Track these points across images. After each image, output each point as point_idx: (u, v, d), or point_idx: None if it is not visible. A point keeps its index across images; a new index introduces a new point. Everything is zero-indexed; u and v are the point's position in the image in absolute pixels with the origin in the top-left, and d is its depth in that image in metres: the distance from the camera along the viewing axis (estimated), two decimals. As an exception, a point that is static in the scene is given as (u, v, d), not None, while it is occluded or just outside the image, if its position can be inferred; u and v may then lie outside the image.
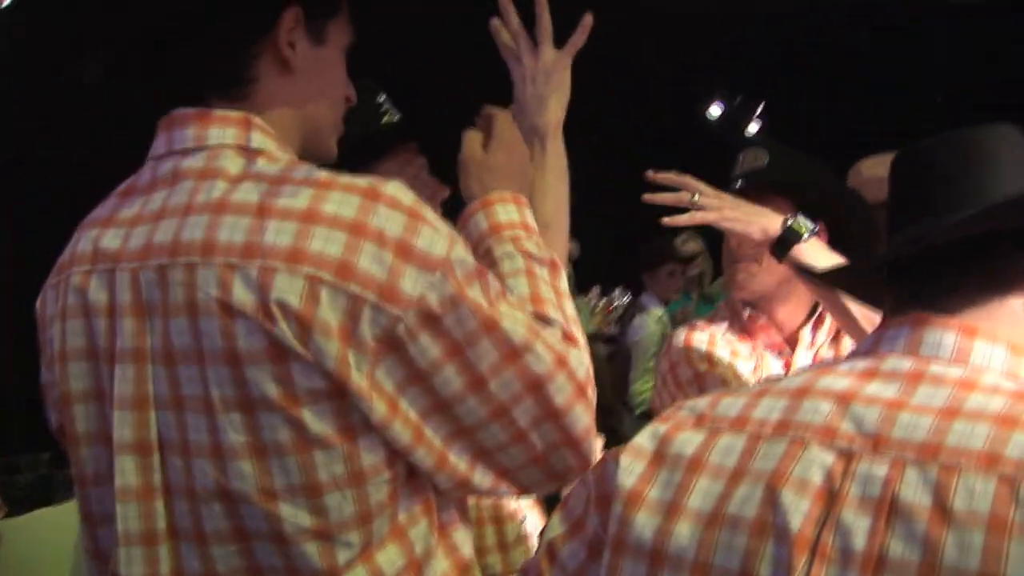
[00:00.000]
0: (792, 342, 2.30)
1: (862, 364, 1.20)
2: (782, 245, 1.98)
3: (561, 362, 1.28)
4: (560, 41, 1.67)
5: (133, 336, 1.26)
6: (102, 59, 1.39)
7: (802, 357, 2.28)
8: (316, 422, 1.19)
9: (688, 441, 1.22)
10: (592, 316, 7.61)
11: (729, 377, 2.20)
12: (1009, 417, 1.05)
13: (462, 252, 1.24)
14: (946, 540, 0.99)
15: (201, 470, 1.23)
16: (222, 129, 1.30)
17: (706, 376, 2.22)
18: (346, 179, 1.22)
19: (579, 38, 1.68)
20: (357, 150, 1.83)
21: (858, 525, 1.05)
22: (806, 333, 2.29)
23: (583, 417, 1.31)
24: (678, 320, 5.86)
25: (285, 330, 1.16)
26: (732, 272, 2.27)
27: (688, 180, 2.06)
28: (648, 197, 2.03)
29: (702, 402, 1.28)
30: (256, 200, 1.21)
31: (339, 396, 1.19)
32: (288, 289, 1.16)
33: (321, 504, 1.22)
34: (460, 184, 1.55)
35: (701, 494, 1.17)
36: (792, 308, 2.31)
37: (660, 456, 1.22)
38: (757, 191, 2.19)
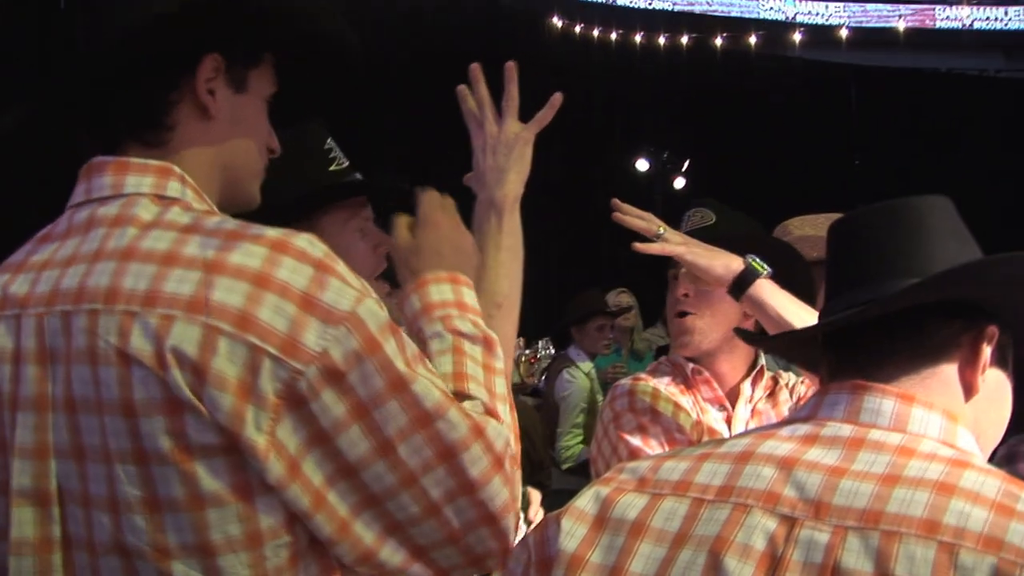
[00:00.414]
0: (732, 396, 2.31)
1: (803, 429, 1.21)
2: (741, 283, 2.00)
3: (477, 431, 1.23)
4: (523, 116, 1.67)
5: (35, 383, 1.22)
6: (15, 112, 1.36)
7: (741, 411, 2.29)
8: (209, 478, 1.15)
9: (631, 505, 1.21)
10: (516, 368, 7.60)
11: (672, 430, 2.19)
12: (947, 484, 1.07)
13: (373, 307, 1.19)
14: None
15: (100, 523, 1.19)
16: (139, 177, 1.29)
17: (649, 428, 2.20)
18: (256, 230, 1.19)
19: (546, 114, 1.67)
20: (303, 200, 1.82)
21: None
22: (746, 387, 2.31)
23: (501, 492, 1.25)
24: (607, 376, 5.86)
25: (179, 380, 1.13)
26: (678, 327, 2.27)
27: (652, 216, 2.10)
28: (618, 217, 2.05)
29: (643, 464, 1.28)
30: (164, 248, 1.19)
31: (234, 452, 1.15)
32: (184, 337, 1.13)
33: (214, 565, 1.17)
34: (396, 271, 1.52)
35: (643, 559, 1.16)
36: (734, 363, 2.31)
37: (602, 519, 1.22)
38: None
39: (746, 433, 1.29)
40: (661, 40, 13.32)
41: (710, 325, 2.24)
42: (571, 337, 5.97)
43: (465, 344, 1.38)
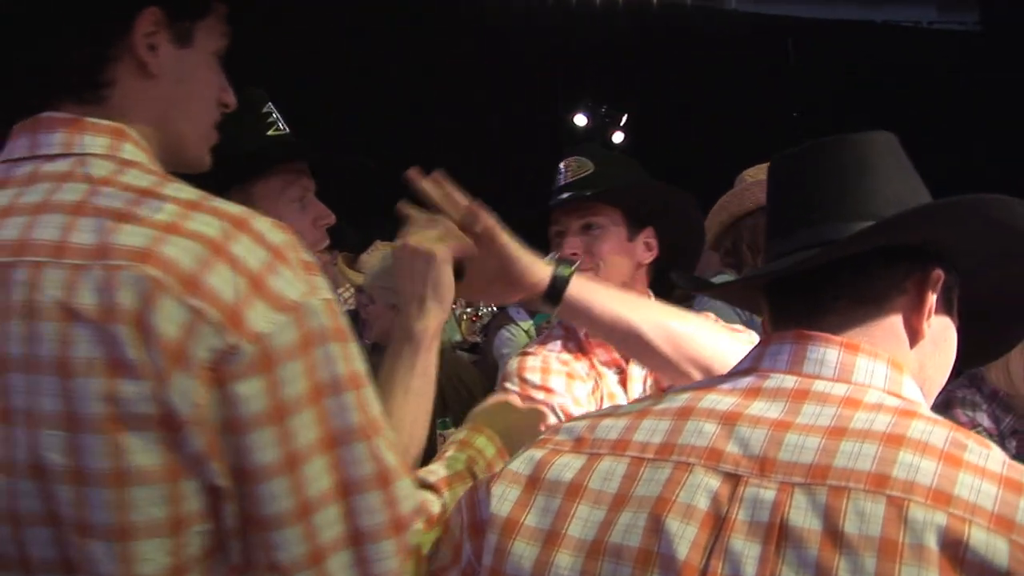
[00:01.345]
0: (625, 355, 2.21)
1: (745, 381, 1.17)
2: (555, 289, 1.65)
3: (383, 479, 1.14)
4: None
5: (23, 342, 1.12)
6: None
7: (636, 369, 2.20)
8: (139, 453, 1.07)
9: (567, 466, 1.16)
10: (458, 325, 7.56)
11: (568, 403, 2.09)
12: (895, 436, 1.03)
13: (324, 306, 1.13)
14: (838, 565, 0.97)
15: (20, 491, 1.11)
16: (94, 137, 1.21)
17: (543, 404, 2.05)
18: (218, 203, 1.14)
19: (466, 244, 1.55)
20: (236, 161, 1.67)
21: (748, 552, 1.01)
22: None
23: (390, 559, 1.14)
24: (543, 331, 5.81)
25: (122, 335, 1.06)
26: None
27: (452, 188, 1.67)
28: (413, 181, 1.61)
29: (580, 424, 1.22)
30: (118, 206, 1.13)
31: (166, 427, 1.07)
32: (129, 290, 1.07)
33: (133, 550, 1.09)
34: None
35: (581, 522, 1.12)
36: None
37: (536, 481, 1.17)
38: (583, 202, 2.15)
39: (684, 388, 1.23)
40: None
41: (601, 278, 2.11)
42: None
43: (462, 484, 1.41)
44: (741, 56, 13.90)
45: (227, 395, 1.08)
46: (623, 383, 2.18)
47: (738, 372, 1.21)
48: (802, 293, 1.21)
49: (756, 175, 3.51)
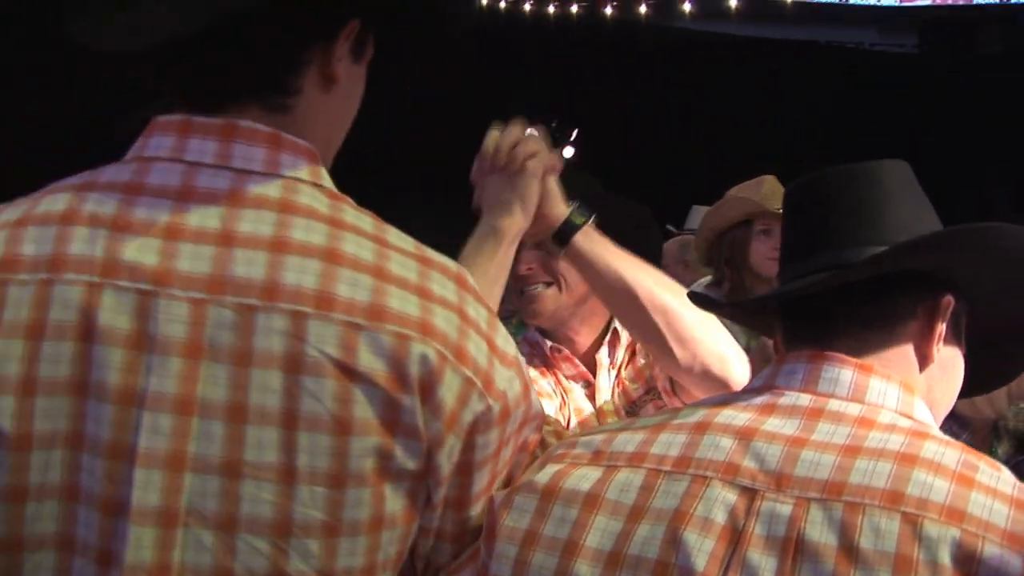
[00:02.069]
0: (591, 367, 2.20)
1: (760, 398, 1.20)
2: (565, 231, 1.78)
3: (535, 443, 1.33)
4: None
5: (179, 380, 1.04)
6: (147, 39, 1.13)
7: (604, 381, 2.18)
8: (393, 500, 1.11)
9: (584, 477, 1.19)
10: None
11: None
12: (908, 455, 1.07)
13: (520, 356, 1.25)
14: None
15: (251, 548, 1.05)
16: (294, 158, 1.14)
17: None
18: (435, 256, 1.19)
19: (559, 159, 1.73)
20: None
21: (765, 565, 1.04)
22: (603, 355, 2.19)
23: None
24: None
25: (414, 404, 1.09)
26: (527, 299, 2.12)
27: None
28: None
29: (597, 438, 1.25)
30: (370, 259, 1.11)
31: (420, 476, 1.12)
32: (421, 361, 1.09)
33: None
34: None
35: (599, 532, 1.14)
36: (588, 331, 2.20)
37: (552, 491, 1.19)
38: None
39: (700, 404, 1.27)
40: (551, 9, 13.30)
41: (562, 293, 2.11)
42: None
43: None
44: (690, 73, 14.04)
45: (469, 444, 1.15)
46: (591, 396, 2.17)
47: (752, 389, 1.25)
48: (816, 315, 1.25)
49: (737, 192, 3.59)
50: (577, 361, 2.19)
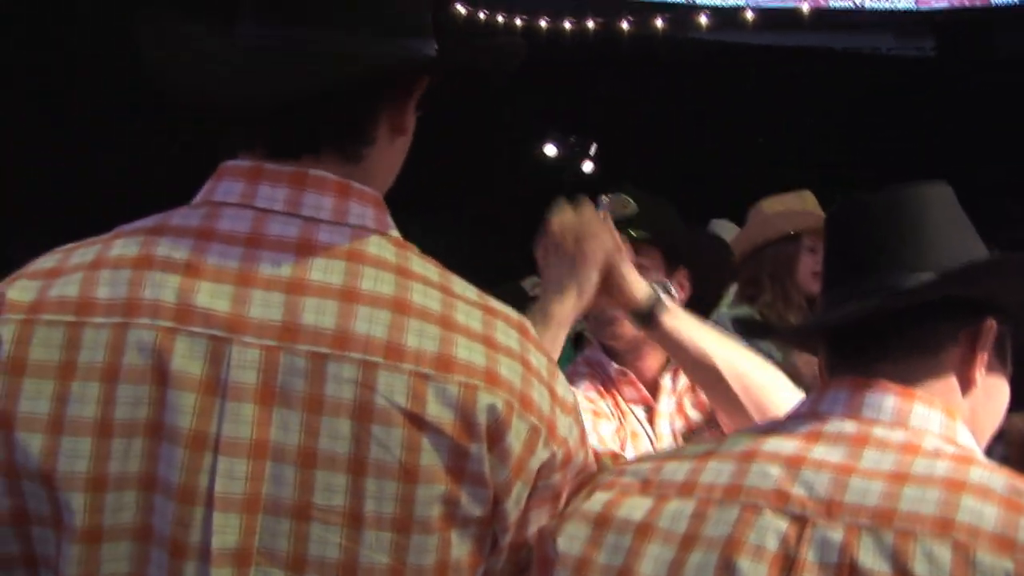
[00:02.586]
0: (653, 390, 2.23)
1: (805, 426, 1.22)
2: (651, 312, 1.80)
3: (593, 475, 1.33)
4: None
5: (254, 426, 1.07)
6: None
7: (664, 405, 2.20)
8: (459, 546, 1.13)
9: (635, 506, 1.22)
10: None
11: (592, 442, 2.02)
12: (955, 481, 1.09)
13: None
14: None
15: None
16: (362, 207, 1.16)
17: None
18: (497, 306, 1.21)
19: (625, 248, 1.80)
20: None
21: None
22: (667, 381, 2.22)
23: None
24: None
25: (482, 453, 1.11)
26: (608, 319, 2.16)
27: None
28: None
29: (645, 467, 1.27)
30: (437, 309, 1.14)
31: (487, 522, 1.14)
32: (488, 410, 1.11)
33: None
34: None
35: (652, 560, 1.16)
36: (655, 355, 2.23)
37: (605, 520, 1.22)
38: (631, 243, 2.15)
39: (748, 431, 1.30)
40: (567, 25, 13.33)
41: None
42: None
43: None
44: (707, 83, 14.06)
45: (535, 490, 1.18)
46: (651, 420, 2.20)
47: (797, 416, 1.27)
48: (860, 340, 1.26)
49: (773, 206, 3.56)
50: (640, 385, 2.21)
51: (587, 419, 2.09)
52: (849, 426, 1.19)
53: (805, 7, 13.18)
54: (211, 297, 1.09)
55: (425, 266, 1.18)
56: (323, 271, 1.11)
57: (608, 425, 2.16)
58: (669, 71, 13.94)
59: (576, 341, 6.61)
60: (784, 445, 1.20)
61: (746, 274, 3.48)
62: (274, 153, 1.16)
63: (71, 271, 1.11)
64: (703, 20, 13.57)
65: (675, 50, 14.11)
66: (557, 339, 1.70)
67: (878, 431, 1.18)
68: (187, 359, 1.07)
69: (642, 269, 2.10)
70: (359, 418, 1.07)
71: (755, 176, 14.62)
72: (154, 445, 1.07)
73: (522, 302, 5.55)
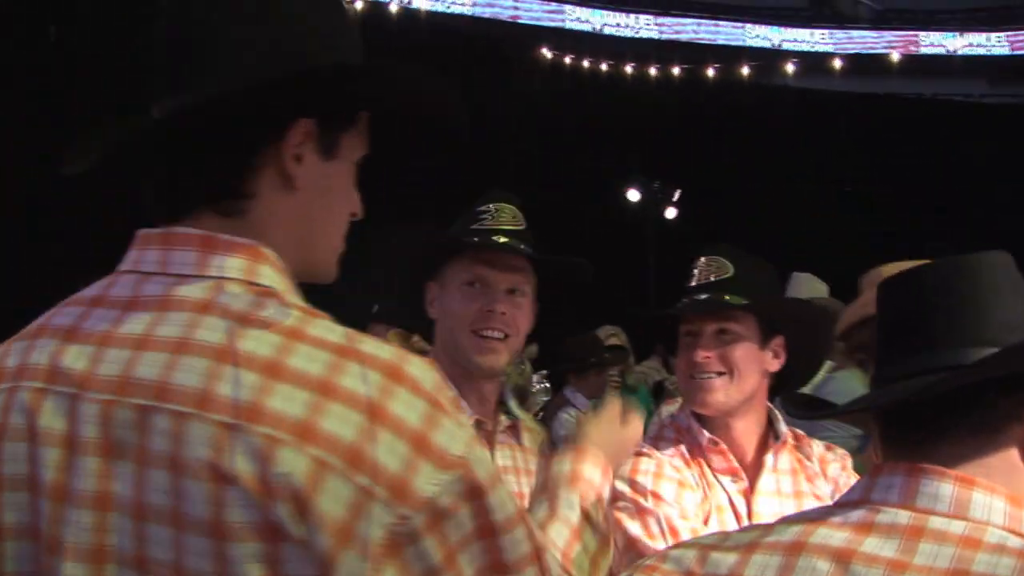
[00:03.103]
0: (751, 465, 2.12)
1: (856, 515, 1.14)
2: None
3: None
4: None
5: (96, 478, 1.09)
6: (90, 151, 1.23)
7: (767, 483, 2.10)
8: None
9: None
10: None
11: (674, 514, 2.01)
12: None
13: (482, 452, 1.10)
14: None
15: None
16: (226, 258, 1.15)
17: (650, 513, 2.01)
18: (367, 347, 1.08)
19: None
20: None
21: None
22: (769, 458, 2.11)
23: None
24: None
25: (283, 512, 1.02)
26: (699, 387, 2.07)
27: None
28: None
29: (688, 555, 1.21)
30: (265, 355, 1.07)
31: None
32: (292, 467, 1.02)
33: None
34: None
35: None
36: (748, 426, 2.13)
37: None
38: (722, 307, 2.09)
39: (794, 519, 1.22)
40: (652, 71, 13.35)
41: (733, 385, 2.08)
42: (566, 379, 5.89)
43: (587, 530, 1.39)
44: (793, 131, 13.93)
45: (403, 561, 1.05)
46: (745, 494, 2.10)
47: (847, 504, 1.18)
48: (916, 420, 1.18)
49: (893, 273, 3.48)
50: (731, 456, 2.12)
51: (672, 488, 2.04)
52: (903, 516, 1.11)
53: (895, 54, 13.01)
54: (74, 358, 1.13)
55: (284, 311, 1.11)
56: (169, 324, 1.12)
57: (692, 496, 2.06)
58: (754, 117, 13.86)
59: (656, 391, 6.53)
60: (833, 536, 1.12)
61: (858, 339, 3.40)
62: (160, 218, 1.19)
63: (10, 341, 1.21)
64: (790, 68, 13.49)
65: (761, 96, 14.04)
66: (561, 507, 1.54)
67: (935, 522, 1.09)
68: (51, 416, 1.12)
69: (735, 336, 2.08)
70: (173, 470, 1.06)
71: (841, 225, 14.46)
72: (34, 499, 1.12)
73: (598, 351, 5.44)
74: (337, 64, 1.21)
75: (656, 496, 2.03)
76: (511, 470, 2.10)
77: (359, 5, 11.42)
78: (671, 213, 11.83)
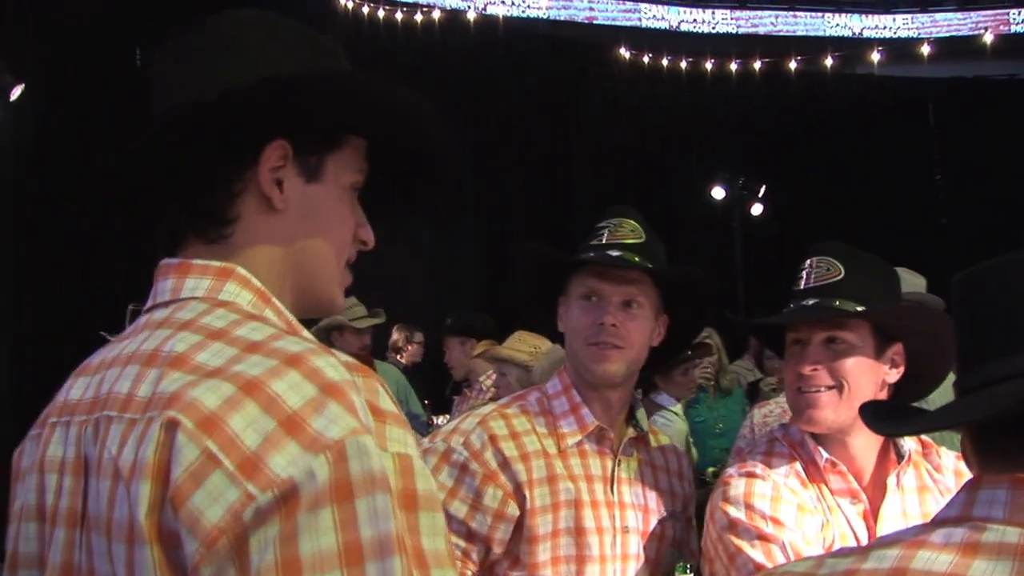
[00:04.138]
0: (867, 485, 2.01)
1: (959, 534, 1.08)
2: None
3: None
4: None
5: (70, 496, 1.12)
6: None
7: (892, 506, 1.98)
8: None
9: None
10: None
11: (797, 540, 1.90)
12: None
13: (371, 448, 0.96)
14: None
15: None
16: (198, 280, 1.18)
17: (772, 539, 1.90)
18: (284, 342, 1.04)
19: None
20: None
21: None
22: (892, 480, 2.00)
23: None
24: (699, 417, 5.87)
25: (139, 492, 0.98)
26: (807, 402, 1.98)
27: None
28: None
29: None
30: (180, 350, 1.06)
31: None
32: (152, 440, 0.98)
33: None
34: None
35: None
36: (868, 441, 2.01)
37: None
38: (834, 313, 1.98)
39: (889, 540, 1.15)
40: (733, 66, 13.18)
41: (844, 401, 1.96)
42: (655, 385, 5.84)
43: None
44: (880, 121, 13.62)
45: (240, 553, 0.93)
46: (865, 516, 1.99)
47: (948, 520, 1.12)
48: (1011, 429, 1.11)
49: None
50: (850, 477, 2.01)
51: (792, 513, 1.95)
52: (1012, 534, 1.05)
53: (988, 37, 12.65)
54: (77, 389, 1.19)
55: (224, 316, 1.11)
56: (132, 344, 1.15)
57: (813, 520, 1.96)
58: (840, 108, 13.59)
59: (751, 393, 6.41)
60: (937, 560, 1.06)
61: None
62: (163, 247, 1.24)
63: None
64: (875, 56, 13.18)
65: (845, 87, 13.76)
66: None
67: None
68: (54, 446, 1.17)
69: (846, 346, 1.97)
70: (97, 476, 1.07)
71: (934, 214, 14.11)
72: (39, 528, 1.17)
73: (683, 358, 5.36)
74: (293, 77, 1.18)
75: (776, 522, 1.93)
76: (635, 483, 2.12)
77: (436, 14, 11.43)
78: (757, 209, 11.65)
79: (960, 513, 1.11)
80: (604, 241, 2.10)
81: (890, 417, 1.45)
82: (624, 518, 2.07)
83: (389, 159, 1.33)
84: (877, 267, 2.09)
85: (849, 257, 2.04)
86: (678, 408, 5.72)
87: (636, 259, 2.05)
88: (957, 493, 1.14)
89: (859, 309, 1.98)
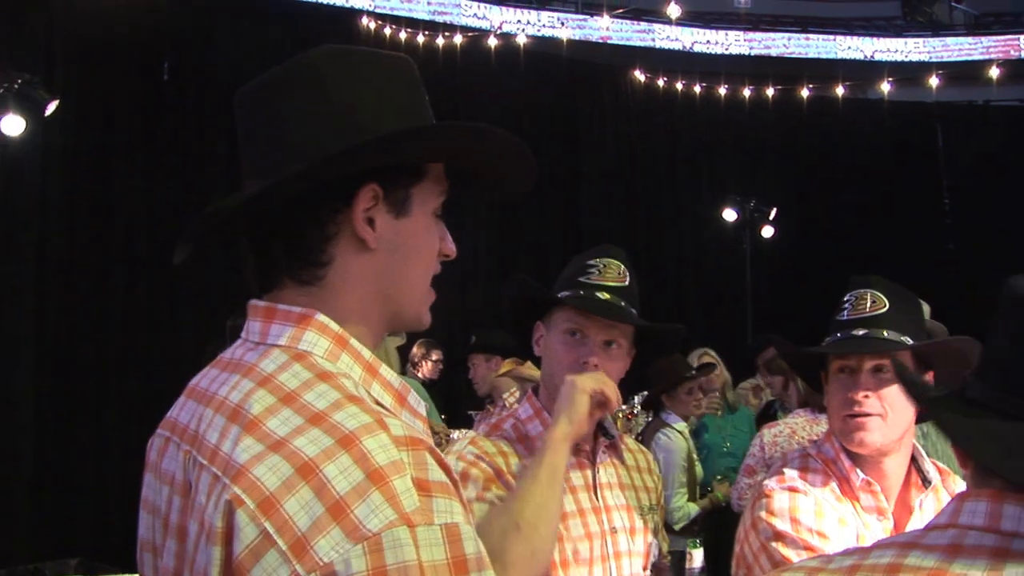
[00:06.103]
0: (897, 504, 2.13)
1: (946, 537, 1.21)
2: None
3: None
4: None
5: (179, 515, 1.24)
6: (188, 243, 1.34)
7: (915, 526, 2.06)
8: None
9: None
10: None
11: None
12: None
13: (406, 539, 1.04)
14: None
15: None
16: (281, 327, 1.25)
17: (816, 551, 2.00)
18: (342, 415, 1.11)
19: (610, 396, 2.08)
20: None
21: None
22: (916, 500, 2.15)
23: None
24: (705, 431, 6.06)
25: (214, 556, 1.09)
26: (856, 425, 2.11)
27: None
28: None
29: None
30: (254, 413, 1.15)
31: None
32: (221, 510, 1.10)
33: None
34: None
35: None
36: (900, 462, 2.15)
37: None
38: (895, 346, 2.12)
39: (887, 543, 1.29)
40: (746, 92, 13.27)
41: (888, 425, 2.11)
42: (661, 404, 5.97)
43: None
44: (889, 146, 13.67)
45: None
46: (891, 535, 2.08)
47: (939, 526, 1.25)
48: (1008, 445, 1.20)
49: None
50: (881, 496, 2.15)
51: (834, 526, 2.07)
52: (988, 539, 1.18)
53: (996, 61, 12.71)
54: (186, 413, 1.30)
55: (299, 373, 1.18)
56: (225, 385, 1.25)
57: (845, 531, 2.08)
58: (850, 132, 13.65)
59: (765, 413, 6.49)
60: (925, 559, 1.19)
61: None
62: (256, 288, 1.33)
63: None
64: (885, 83, 13.25)
65: (856, 111, 13.81)
66: (556, 455, 1.94)
67: (1019, 544, 1.16)
68: (168, 460, 1.30)
69: (891, 375, 2.09)
70: (196, 520, 1.18)
71: (942, 241, 14.09)
72: (154, 522, 1.32)
73: (683, 369, 5.50)
74: (388, 137, 1.25)
75: (821, 535, 2.06)
76: (615, 486, 2.31)
77: (458, 39, 11.55)
78: (768, 231, 11.71)
79: (948, 520, 1.24)
80: (592, 281, 2.25)
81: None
82: (611, 520, 2.24)
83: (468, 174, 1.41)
84: (912, 300, 2.25)
85: (890, 290, 2.20)
86: (682, 426, 5.87)
87: (622, 303, 2.22)
88: (949, 503, 1.28)
89: (910, 342, 2.13)
